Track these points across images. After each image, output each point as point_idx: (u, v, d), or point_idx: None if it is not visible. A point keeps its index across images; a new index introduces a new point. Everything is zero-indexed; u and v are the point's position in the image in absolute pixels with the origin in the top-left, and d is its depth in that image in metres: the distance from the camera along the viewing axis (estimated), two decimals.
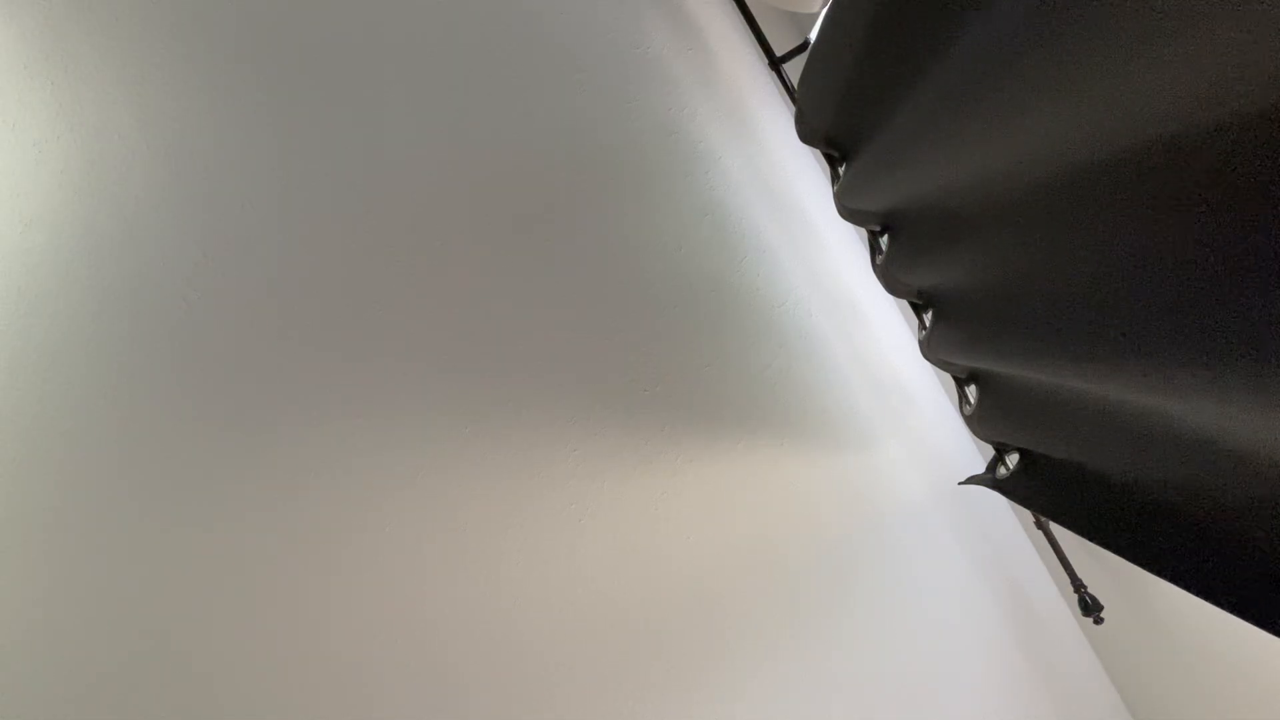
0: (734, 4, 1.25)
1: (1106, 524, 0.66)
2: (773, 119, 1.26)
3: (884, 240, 0.98)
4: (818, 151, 1.09)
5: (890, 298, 1.25)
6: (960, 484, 0.98)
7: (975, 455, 1.25)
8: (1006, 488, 0.86)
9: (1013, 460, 0.87)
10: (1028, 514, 1.22)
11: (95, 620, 0.57)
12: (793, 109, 1.09)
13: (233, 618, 0.61)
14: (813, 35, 1.01)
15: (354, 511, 0.68)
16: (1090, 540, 0.68)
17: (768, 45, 1.23)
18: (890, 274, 0.97)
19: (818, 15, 1.13)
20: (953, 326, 0.87)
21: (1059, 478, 0.76)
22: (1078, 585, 1.11)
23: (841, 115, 0.94)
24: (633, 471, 0.84)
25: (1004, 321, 0.73)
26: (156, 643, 0.58)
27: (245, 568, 0.63)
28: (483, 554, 0.72)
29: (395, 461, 0.71)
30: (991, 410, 0.88)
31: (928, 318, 0.96)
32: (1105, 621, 1.11)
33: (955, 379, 0.96)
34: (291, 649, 0.62)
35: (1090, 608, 1.09)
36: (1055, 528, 1.15)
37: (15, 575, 0.56)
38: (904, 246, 0.92)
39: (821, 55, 0.91)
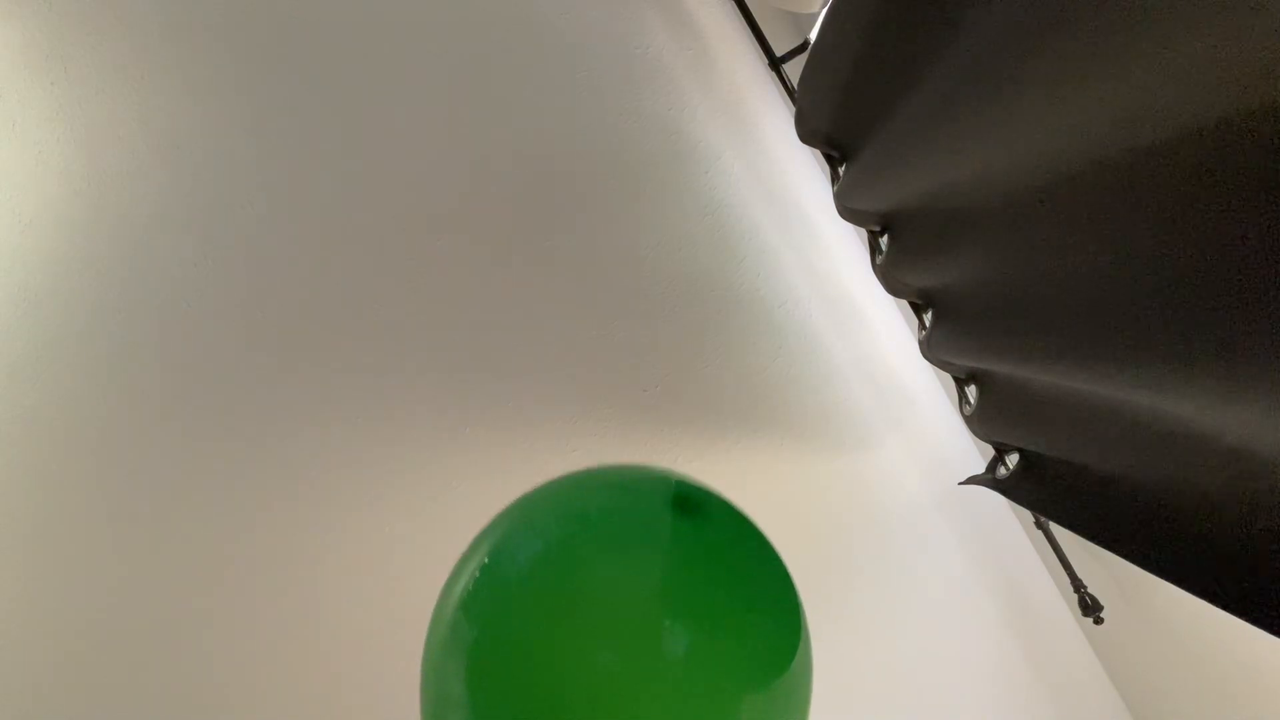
0: (734, 4, 1.25)
1: (1106, 524, 0.66)
2: (773, 119, 1.26)
3: (884, 240, 0.98)
4: (818, 151, 1.09)
5: (890, 298, 1.25)
6: (960, 484, 0.98)
7: (975, 455, 1.25)
8: (1006, 488, 0.86)
9: (1013, 460, 0.87)
10: (1028, 514, 1.22)
11: (89, 618, 0.57)
12: (793, 109, 1.09)
13: (233, 618, 0.61)
14: (813, 35, 1.01)
15: (354, 511, 0.68)
16: (1089, 539, 0.68)
17: (768, 45, 1.23)
18: (890, 274, 0.97)
19: (818, 15, 1.13)
20: (953, 326, 0.87)
21: (1059, 478, 0.76)
22: (1078, 585, 1.11)
23: (841, 115, 0.94)
24: None
25: (1004, 321, 0.73)
26: (149, 641, 0.58)
27: (244, 567, 0.63)
28: None
29: (395, 462, 0.71)
30: (991, 410, 0.88)
31: (928, 318, 0.96)
32: (1105, 621, 1.11)
33: (955, 379, 0.96)
34: (289, 650, 0.62)
35: (1090, 608, 1.09)
36: (1055, 528, 1.15)
37: (10, 574, 0.56)
38: (904, 246, 0.92)
39: (821, 55, 0.91)
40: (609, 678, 0.30)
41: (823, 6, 1.10)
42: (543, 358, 0.83)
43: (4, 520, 0.57)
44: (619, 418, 0.85)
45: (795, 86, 1.13)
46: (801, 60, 1.13)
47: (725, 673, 0.32)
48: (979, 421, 0.90)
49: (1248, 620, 0.50)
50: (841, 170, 1.01)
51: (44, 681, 0.55)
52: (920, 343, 0.98)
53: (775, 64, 1.23)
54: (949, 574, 1.06)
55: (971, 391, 0.93)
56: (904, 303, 1.05)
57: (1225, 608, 0.52)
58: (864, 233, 1.05)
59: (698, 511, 0.37)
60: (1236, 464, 0.49)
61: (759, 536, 0.41)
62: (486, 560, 0.35)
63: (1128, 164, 0.49)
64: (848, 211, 1.01)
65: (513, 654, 0.31)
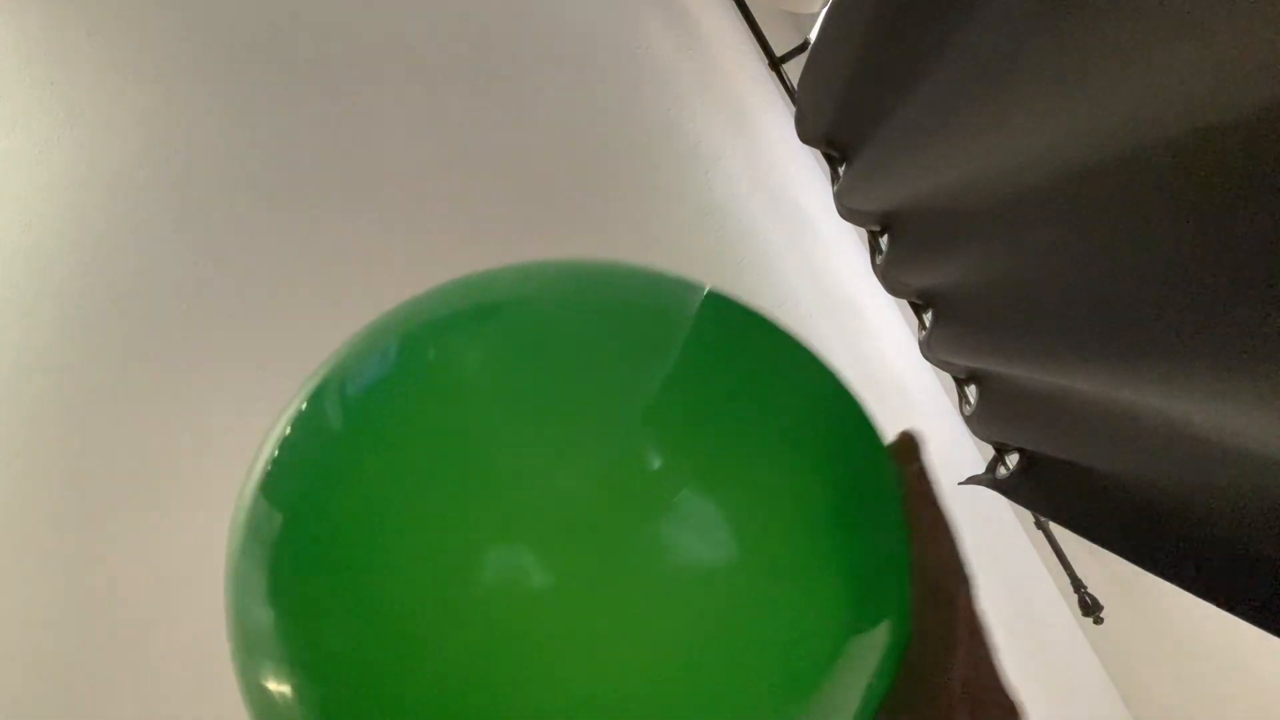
0: (734, 4, 1.25)
1: (1106, 524, 0.66)
2: (773, 119, 1.26)
3: (884, 240, 0.98)
4: (818, 151, 1.09)
5: (890, 298, 1.25)
6: (960, 484, 0.98)
7: (975, 455, 1.25)
8: (1006, 488, 0.86)
9: (1013, 460, 0.87)
10: (1028, 514, 1.22)
11: (88, 622, 0.57)
12: (793, 109, 1.09)
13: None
14: (813, 35, 1.01)
15: None
16: (1090, 540, 0.68)
17: (768, 45, 1.23)
18: (890, 274, 0.97)
19: (818, 15, 1.13)
20: (953, 326, 0.87)
21: (1059, 478, 0.76)
22: (1078, 585, 1.12)
23: (841, 115, 0.93)
24: None
25: (1004, 321, 0.73)
26: (149, 639, 0.58)
27: None
28: None
29: None
30: (991, 410, 0.88)
31: (928, 318, 0.96)
32: (1105, 621, 1.11)
33: (955, 379, 0.96)
34: None
35: (1090, 608, 1.10)
36: (1055, 528, 1.15)
37: (10, 576, 0.56)
38: (904, 246, 0.92)
39: (821, 55, 0.91)
40: (528, 604, 0.15)
41: (823, 6, 1.10)
42: None
43: (4, 519, 0.57)
44: None
45: (795, 86, 1.13)
46: (801, 60, 1.13)
47: (770, 615, 0.17)
48: (979, 421, 0.90)
49: (1247, 620, 0.50)
50: (841, 170, 1.01)
51: (36, 676, 0.55)
52: (920, 343, 0.98)
53: (775, 64, 1.23)
54: None
55: (971, 391, 0.93)
56: (904, 303, 1.05)
57: (1225, 608, 0.52)
58: (864, 233, 1.05)
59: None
60: (1237, 464, 0.49)
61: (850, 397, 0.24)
62: (305, 405, 0.20)
63: (1129, 163, 0.49)
64: (848, 211, 1.01)
65: (343, 552, 0.17)
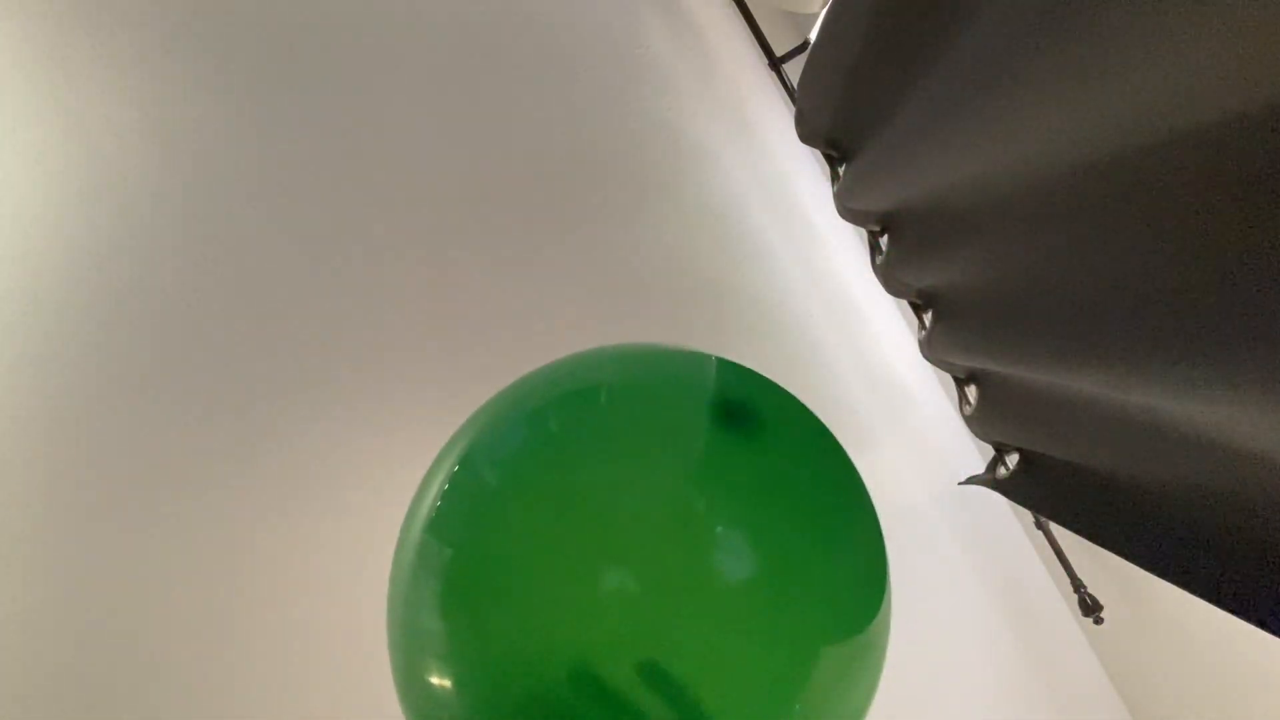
0: (734, 4, 1.25)
1: (1106, 524, 0.66)
2: (773, 119, 1.27)
3: (884, 240, 0.98)
4: (818, 151, 1.09)
5: (890, 298, 1.25)
6: (960, 484, 0.98)
7: (975, 455, 1.25)
8: (1006, 488, 0.86)
9: (1013, 460, 0.87)
10: (1028, 514, 1.22)
11: (83, 616, 0.57)
12: (793, 109, 1.09)
13: (242, 621, 0.61)
14: (813, 35, 1.01)
15: (357, 513, 0.68)
16: (1090, 540, 0.68)
17: (768, 45, 1.23)
18: (890, 274, 0.97)
19: (818, 15, 1.13)
20: (953, 326, 0.87)
21: (1059, 478, 0.76)
22: (1078, 585, 1.12)
23: (841, 115, 0.94)
24: None
25: (1004, 321, 0.73)
26: (149, 639, 0.58)
27: (245, 569, 0.63)
28: None
29: (394, 463, 0.71)
30: (991, 410, 0.88)
31: (928, 318, 0.96)
32: (1105, 621, 1.11)
33: (955, 379, 0.96)
34: (289, 652, 0.62)
35: (1090, 608, 1.10)
36: (1055, 528, 1.15)
37: (9, 577, 0.56)
38: (904, 246, 0.92)
39: (821, 55, 0.91)
40: (624, 605, 0.22)
41: (823, 6, 1.10)
42: (540, 360, 0.83)
43: (2, 521, 0.57)
44: None
45: (795, 86, 1.13)
46: (801, 60, 1.13)
47: (783, 610, 0.23)
48: (979, 421, 0.90)
49: (1247, 619, 0.50)
50: (841, 170, 1.01)
51: (31, 683, 0.55)
52: (920, 343, 0.98)
53: (775, 64, 1.23)
54: (948, 574, 1.06)
55: (971, 391, 0.93)
56: (904, 303, 1.05)
57: (1224, 607, 0.52)
58: (864, 233, 1.05)
59: (749, 423, 0.28)
60: (1236, 464, 0.49)
61: (837, 452, 0.32)
62: (457, 467, 0.27)
63: (1129, 164, 0.49)
64: (848, 211, 1.01)
65: (496, 576, 0.23)
